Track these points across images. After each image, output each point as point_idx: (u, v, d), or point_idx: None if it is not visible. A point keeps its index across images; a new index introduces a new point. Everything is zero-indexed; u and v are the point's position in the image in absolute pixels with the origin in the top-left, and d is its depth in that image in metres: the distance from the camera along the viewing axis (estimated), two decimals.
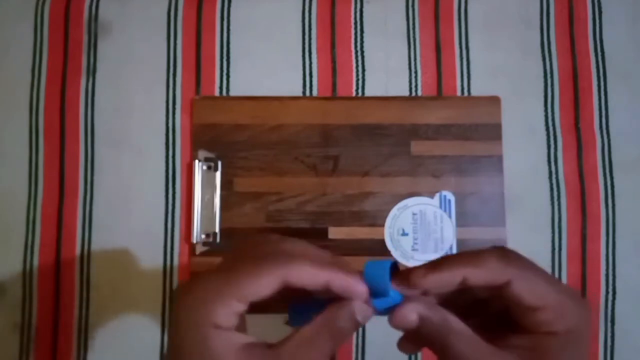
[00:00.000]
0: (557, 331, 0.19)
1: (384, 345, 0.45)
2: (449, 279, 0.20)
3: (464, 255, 0.21)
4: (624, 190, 0.46)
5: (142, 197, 0.46)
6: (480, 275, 0.20)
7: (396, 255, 0.44)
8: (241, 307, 0.19)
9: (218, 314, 0.19)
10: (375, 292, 0.20)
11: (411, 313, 0.20)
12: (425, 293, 0.21)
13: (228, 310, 0.19)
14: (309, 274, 0.19)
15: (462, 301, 0.21)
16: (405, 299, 0.20)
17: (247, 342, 0.19)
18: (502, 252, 0.20)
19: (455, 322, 0.20)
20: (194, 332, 0.19)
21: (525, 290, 0.19)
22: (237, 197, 0.45)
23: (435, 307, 0.20)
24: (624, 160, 0.47)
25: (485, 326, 0.21)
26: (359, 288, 0.20)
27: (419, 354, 0.45)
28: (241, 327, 0.20)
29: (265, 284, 0.19)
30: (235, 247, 0.22)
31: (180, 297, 0.20)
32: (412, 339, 0.23)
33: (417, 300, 0.20)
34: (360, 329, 0.45)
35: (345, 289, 0.20)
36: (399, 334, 0.45)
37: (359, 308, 0.19)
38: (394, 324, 0.20)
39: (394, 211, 0.45)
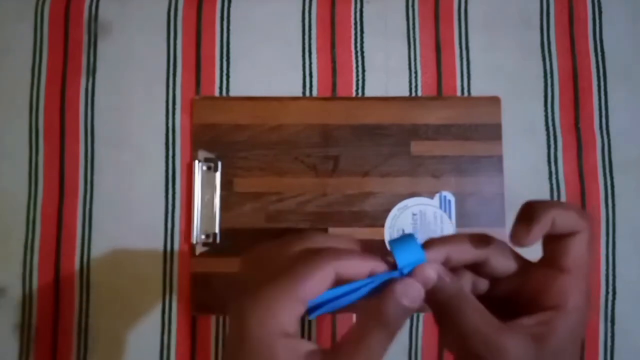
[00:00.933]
0: (566, 305, 0.20)
1: None
2: (435, 255, 0.21)
3: (445, 237, 0.22)
4: (624, 191, 0.47)
5: (142, 197, 0.46)
6: (462, 253, 0.21)
7: None
8: (303, 308, 0.20)
9: (285, 321, 0.19)
10: (409, 268, 0.21)
11: (431, 270, 0.20)
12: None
13: (293, 313, 0.19)
14: (357, 265, 0.20)
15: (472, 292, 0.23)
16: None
17: (310, 350, 0.19)
18: (477, 235, 0.22)
19: (469, 294, 0.21)
20: (262, 341, 0.19)
21: (502, 263, 0.22)
22: (237, 198, 0.45)
23: (452, 275, 0.21)
24: (624, 160, 0.47)
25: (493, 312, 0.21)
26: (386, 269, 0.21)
27: (419, 354, 0.45)
28: (299, 332, 0.20)
29: (322, 281, 0.19)
30: (269, 246, 0.23)
31: (243, 306, 0.20)
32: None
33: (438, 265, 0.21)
34: None
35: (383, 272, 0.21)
36: (401, 336, 0.45)
37: (403, 291, 0.20)
38: (415, 279, 0.20)
39: (394, 211, 0.45)
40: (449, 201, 0.45)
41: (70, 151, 0.46)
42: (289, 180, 0.45)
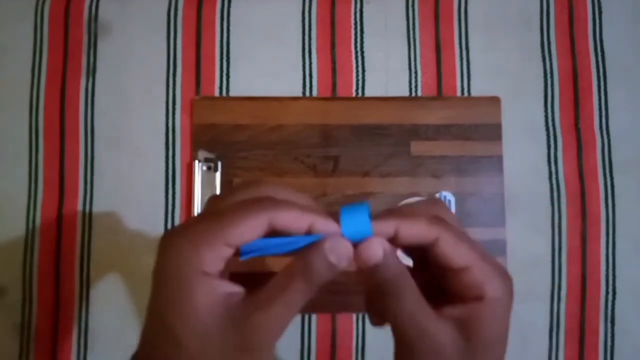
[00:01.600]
0: (484, 295, 0.19)
1: (383, 345, 0.45)
2: (384, 229, 0.20)
3: (402, 209, 0.21)
4: (624, 191, 0.46)
5: (142, 197, 0.46)
6: (412, 230, 0.20)
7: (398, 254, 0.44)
8: (229, 251, 0.19)
9: (206, 260, 0.18)
10: (353, 236, 0.20)
11: (378, 247, 0.20)
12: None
13: (216, 254, 0.19)
14: (294, 218, 0.19)
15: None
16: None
17: (228, 292, 0.19)
18: (433, 216, 0.21)
19: (411, 278, 0.20)
20: (180, 277, 0.18)
21: (451, 248, 0.20)
22: None
23: (397, 256, 0.20)
24: (624, 160, 0.47)
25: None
26: (335, 229, 0.20)
27: None
28: (224, 274, 0.20)
29: (252, 228, 0.19)
30: (219, 194, 0.22)
31: (168, 241, 0.19)
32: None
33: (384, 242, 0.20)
34: (360, 331, 0.45)
35: (325, 232, 0.20)
36: None
37: (331, 247, 0.19)
38: (361, 254, 0.20)
39: None
40: (449, 201, 0.45)
41: (70, 151, 0.46)
42: (289, 180, 0.45)
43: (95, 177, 0.46)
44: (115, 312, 0.44)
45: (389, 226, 0.20)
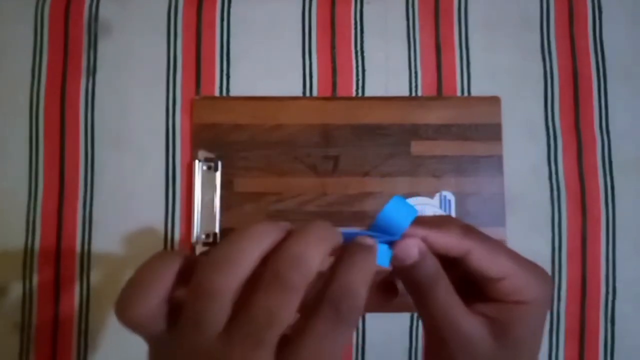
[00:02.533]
0: (523, 300, 0.20)
1: (383, 345, 0.45)
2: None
3: (433, 218, 0.21)
4: (624, 191, 0.46)
5: (142, 197, 0.45)
6: (441, 240, 0.20)
7: None
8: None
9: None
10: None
11: (414, 247, 0.20)
12: None
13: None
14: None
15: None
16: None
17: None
18: (465, 226, 0.21)
19: (445, 276, 0.20)
20: None
21: (486, 262, 0.20)
22: (237, 198, 0.45)
23: (432, 255, 0.20)
24: (624, 160, 0.47)
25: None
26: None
27: (419, 355, 0.45)
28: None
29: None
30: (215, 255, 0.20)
31: None
32: (389, 285, 0.23)
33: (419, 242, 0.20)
34: (360, 330, 0.45)
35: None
36: (397, 333, 0.45)
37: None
38: (396, 255, 0.20)
39: None
40: (449, 201, 0.45)
41: (70, 151, 0.46)
42: (289, 180, 0.45)
43: (95, 177, 0.46)
44: None
45: (416, 234, 0.20)
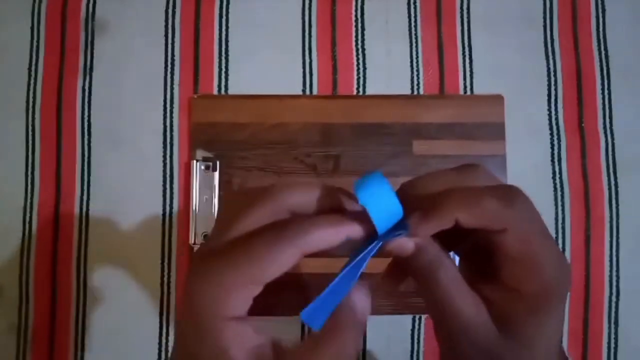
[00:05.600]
0: (528, 291, 0.18)
1: (384, 349, 0.44)
2: (442, 225, 0.19)
3: (461, 193, 0.19)
4: (628, 191, 0.46)
5: (140, 197, 0.45)
6: (474, 219, 0.18)
7: None
8: (258, 289, 0.18)
9: (236, 304, 0.18)
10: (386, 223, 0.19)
11: (409, 242, 0.19)
12: None
13: (246, 295, 0.18)
14: (329, 237, 0.18)
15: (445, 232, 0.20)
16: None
17: (259, 344, 0.18)
18: (505, 194, 0.19)
19: (446, 260, 0.19)
20: (212, 325, 0.17)
21: (517, 243, 0.18)
22: None
23: (431, 240, 0.20)
24: (628, 160, 0.46)
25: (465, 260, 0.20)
26: (369, 230, 0.19)
27: (420, 353, 0.44)
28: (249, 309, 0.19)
29: (285, 261, 0.18)
30: (232, 200, 0.21)
31: (195, 284, 0.18)
32: (396, 270, 0.23)
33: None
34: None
35: (360, 236, 0.19)
36: (399, 335, 0.45)
37: (359, 300, 0.19)
38: (392, 251, 0.19)
39: None
40: None
41: (67, 150, 0.46)
42: (289, 180, 0.45)
43: (92, 177, 0.45)
44: (112, 312, 0.44)
45: (449, 220, 0.18)
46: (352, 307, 0.18)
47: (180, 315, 0.20)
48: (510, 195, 0.19)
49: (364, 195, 0.18)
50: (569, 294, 0.45)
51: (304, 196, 0.19)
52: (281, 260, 0.18)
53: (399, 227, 0.19)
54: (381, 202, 0.18)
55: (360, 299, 0.19)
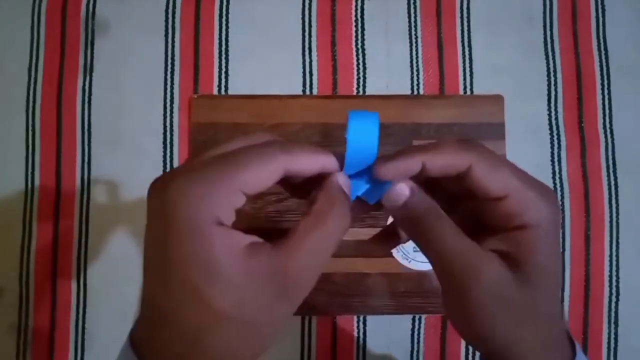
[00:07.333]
0: (526, 223, 0.19)
1: (384, 348, 0.44)
2: (409, 166, 0.19)
3: (425, 144, 0.20)
4: (628, 191, 0.46)
5: (140, 197, 0.45)
6: (439, 160, 0.19)
7: (398, 256, 0.44)
8: (242, 200, 0.17)
9: (222, 208, 0.17)
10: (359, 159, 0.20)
11: (404, 187, 0.20)
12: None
13: (231, 202, 0.17)
14: (307, 161, 0.19)
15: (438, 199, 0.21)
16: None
17: (251, 242, 0.17)
18: (462, 140, 0.20)
19: (442, 211, 0.20)
20: (197, 228, 0.16)
21: (487, 175, 0.19)
22: None
23: (423, 192, 0.20)
24: (628, 160, 0.46)
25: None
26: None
27: (420, 357, 0.44)
28: (236, 225, 0.18)
29: (269, 173, 0.18)
30: (225, 141, 0.21)
31: (174, 184, 0.17)
32: (392, 232, 0.23)
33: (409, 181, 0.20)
34: (361, 332, 0.44)
35: (335, 170, 0.20)
36: (399, 335, 0.45)
37: (341, 178, 0.19)
38: (389, 198, 0.20)
39: None
40: None
41: (67, 150, 0.45)
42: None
43: (92, 177, 0.45)
44: (113, 312, 0.44)
45: (415, 162, 0.19)
46: (336, 182, 0.19)
47: (149, 227, 0.19)
48: (468, 139, 0.20)
49: (354, 126, 0.19)
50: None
51: (307, 161, 0.19)
52: (265, 172, 0.18)
53: (366, 172, 0.20)
54: (363, 139, 0.19)
55: (342, 177, 0.20)
